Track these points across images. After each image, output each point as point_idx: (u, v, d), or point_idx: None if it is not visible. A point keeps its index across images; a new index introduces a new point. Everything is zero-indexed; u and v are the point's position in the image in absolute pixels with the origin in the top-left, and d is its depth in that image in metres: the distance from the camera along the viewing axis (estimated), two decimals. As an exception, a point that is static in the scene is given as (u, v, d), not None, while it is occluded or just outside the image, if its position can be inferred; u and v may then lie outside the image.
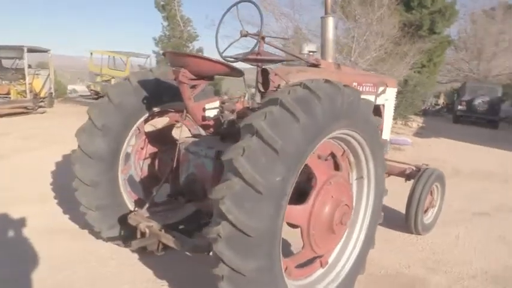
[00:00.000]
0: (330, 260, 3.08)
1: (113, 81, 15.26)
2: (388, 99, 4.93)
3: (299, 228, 2.71)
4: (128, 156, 3.73)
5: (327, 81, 2.58)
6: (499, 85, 24.68)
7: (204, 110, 3.15)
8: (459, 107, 21.44)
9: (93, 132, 3.30)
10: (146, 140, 3.87)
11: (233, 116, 3.06)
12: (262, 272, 2.25)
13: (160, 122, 4.08)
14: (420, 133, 15.70)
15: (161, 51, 22.40)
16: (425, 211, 4.96)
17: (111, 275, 3.50)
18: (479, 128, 20.25)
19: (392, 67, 14.45)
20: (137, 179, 3.90)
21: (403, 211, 4.89)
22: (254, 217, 2.15)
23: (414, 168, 5.14)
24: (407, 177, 5.11)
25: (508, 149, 13.51)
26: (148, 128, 3.97)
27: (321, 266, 3.01)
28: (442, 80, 33.27)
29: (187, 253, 3.57)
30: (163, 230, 2.98)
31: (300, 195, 2.67)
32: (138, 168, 3.87)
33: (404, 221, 4.86)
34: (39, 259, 3.64)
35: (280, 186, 2.22)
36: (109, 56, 16.33)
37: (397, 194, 4.76)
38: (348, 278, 3.12)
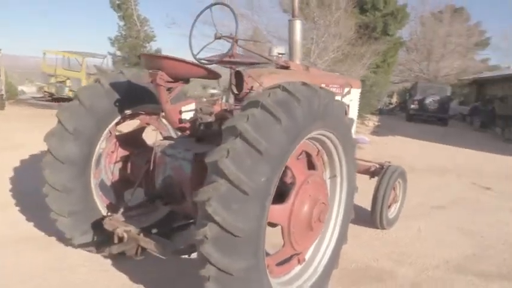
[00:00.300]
0: (307, 257, 3.17)
1: (68, 82, 14.74)
2: (352, 99, 5.11)
3: (279, 227, 2.78)
4: (99, 160, 3.65)
5: (303, 83, 2.66)
6: (448, 85, 26.09)
7: (180, 112, 3.15)
8: (412, 106, 22.48)
9: (64, 136, 3.21)
10: (117, 143, 3.81)
11: (211, 118, 3.08)
12: (249, 270, 2.29)
13: (131, 125, 4.02)
14: (377, 131, 16.29)
15: (117, 52, 21.88)
16: (389, 206, 5.18)
17: (83, 282, 3.41)
18: (431, 125, 21.29)
19: (350, 68, 14.89)
20: (108, 183, 3.83)
21: (368, 207, 5.08)
22: (241, 218, 2.19)
23: (378, 166, 5.35)
24: (372, 174, 5.31)
25: (457, 145, 14.31)
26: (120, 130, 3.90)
27: (299, 262, 3.09)
28: (395, 80, 34.61)
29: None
30: (141, 234, 2.96)
31: (278, 195, 2.74)
32: (109, 172, 3.80)
33: (369, 217, 5.05)
34: (6, 269, 3.50)
35: (265, 186, 2.28)
36: (63, 56, 15.74)
37: (361, 191, 4.96)
38: (324, 273, 3.22)
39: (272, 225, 2.82)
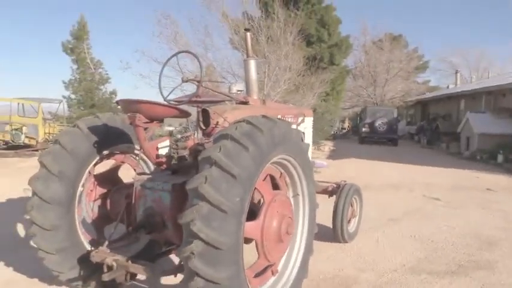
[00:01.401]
0: (279, 268, 3.55)
1: (24, 129, 14.57)
2: (306, 127, 5.67)
3: (253, 244, 3.17)
4: (80, 198, 3.91)
5: (264, 116, 3.13)
6: (394, 107, 27.83)
7: (157, 148, 3.52)
8: (363, 129, 23.77)
9: (49, 179, 3.47)
10: (95, 182, 4.08)
11: (186, 152, 3.47)
12: (232, 279, 2.66)
13: (107, 164, 4.31)
14: (332, 155, 17.11)
15: (72, 95, 21.81)
16: (349, 221, 5.68)
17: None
18: (382, 146, 22.53)
19: (302, 97, 15.75)
20: (89, 220, 4.06)
21: (330, 225, 5.56)
22: (222, 233, 2.58)
23: (335, 185, 5.88)
24: (330, 193, 5.82)
25: (408, 162, 15.33)
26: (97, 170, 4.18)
27: (273, 274, 3.46)
28: (345, 106, 36.43)
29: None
30: (129, 261, 3.24)
31: (250, 213, 3.14)
32: (90, 209, 4.04)
33: (332, 233, 5.52)
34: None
35: (240, 205, 2.68)
36: (18, 104, 15.61)
37: (323, 210, 5.44)
38: (296, 282, 3.60)
39: (247, 241, 3.20)
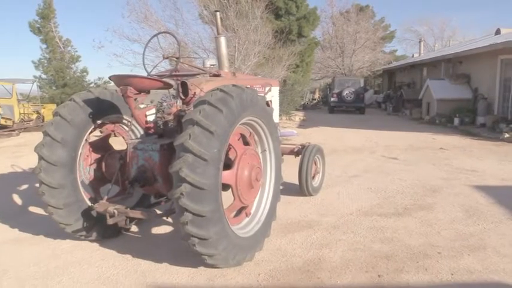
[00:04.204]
0: (252, 211, 4.32)
1: (-1, 110, 14.73)
2: (273, 95, 6.38)
3: (229, 189, 3.92)
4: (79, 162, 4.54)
5: (234, 85, 3.82)
6: (361, 77, 28.83)
7: (146, 116, 4.18)
8: (332, 99, 24.74)
9: (53, 145, 4.08)
10: (90, 148, 4.71)
11: (170, 117, 4.14)
12: (214, 212, 3.40)
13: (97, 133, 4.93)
14: (303, 125, 17.98)
15: (43, 75, 21.74)
16: (313, 177, 6.50)
17: (80, 260, 4.28)
18: (350, 114, 23.58)
19: (271, 70, 16.38)
20: (86, 181, 4.70)
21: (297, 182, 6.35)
22: (205, 176, 3.30)
23: (300, 146, 6.66)
24: (296, 153, 6.60)
25: (372, 128, 16.36)
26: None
27: (247, 216, 4.24)
28: (316, 77, 37.24)
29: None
30: (128, 209, 3.94)
31: (227, 165, 3.87)
32: (86, 172, 4.68)
33: (299, 188, 6.34)
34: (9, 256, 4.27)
35: (218, 155, 3.40)
36: (-8, 85, 15.69)
37: (292, 171, 6.27)
38: (266, 223, 4.37)
39: (225, 187, 3.93)
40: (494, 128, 14.49)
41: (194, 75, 4.87)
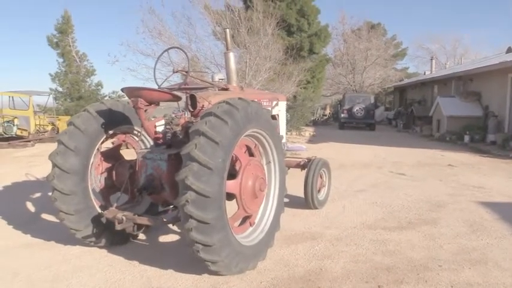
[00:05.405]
0: (256, 221, 4.43)
1: (16, 121, 15.13)
2: (280, 110, 6.53)
3: (234, 198, 4.05)
4: (90, 171, 4.72)
5: (240, 98, 3.98)
6: (372, 94, 28.96)
7: (155, 126, 4.36)
8: (342, 115, 24.83)
9: (67, 153, 4.27)
10: (101, 158, 4.89)
11: (178, 129, 4.31)
12: (217, 219, 3.52)
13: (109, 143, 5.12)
14: (312, 140, 18.07)
15: (59, 87, 22.29)
16: (319, 190, 6.60)
17: (89, 265, 4.43)
18: (361, 131, 23.62)
19: (281, 85, 16.59)
20: (97, 189, 4.88)
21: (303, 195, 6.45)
22: (209, 185, 3.44)
23: (306, 160, 6.78)
24: (302, 167, 6.72)
25: (382, 144, 16.39)
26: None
27: (251, 225, 4.35)
28: (327, 93, 37.45)
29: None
30: (136, 215, 4.09)
31: (231, 175, 4.01)
32: (97, 181, 4.86)
33: (304, 201, 6.43)
34: (20, 261, 4.43)
35: (222, 164, 3.55)
36: (9, 97, 16.16)
37: (298, 184, 6.37)
38: (269, 233, 4.48)
39: (229, 197, 4.06)
40: (504, 145, 14.43)
41: (203, 88, 5.05)
